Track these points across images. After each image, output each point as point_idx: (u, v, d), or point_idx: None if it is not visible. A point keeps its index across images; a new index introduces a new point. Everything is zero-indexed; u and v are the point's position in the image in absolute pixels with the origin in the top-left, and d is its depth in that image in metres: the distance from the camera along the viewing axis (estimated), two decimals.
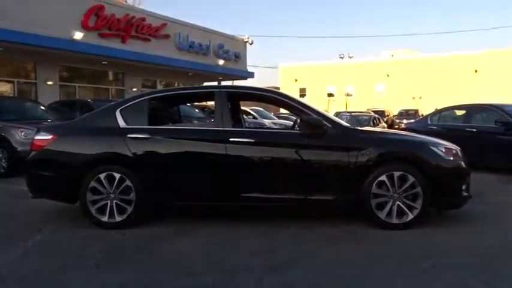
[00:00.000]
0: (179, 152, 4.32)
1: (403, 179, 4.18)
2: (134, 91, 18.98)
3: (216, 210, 4.70)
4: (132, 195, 4.28)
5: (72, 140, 4.44)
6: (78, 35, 14.76)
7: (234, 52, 22.81)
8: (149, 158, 4.33)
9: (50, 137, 4.43)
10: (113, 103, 4.73)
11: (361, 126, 15.60)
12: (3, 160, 8.16)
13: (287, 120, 19.39)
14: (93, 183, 4.29)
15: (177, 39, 19.36)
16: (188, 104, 10.33)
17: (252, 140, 4.24)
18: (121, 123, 4.41)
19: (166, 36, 18.71)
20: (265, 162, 4.28)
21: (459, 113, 9.87)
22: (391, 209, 4.20)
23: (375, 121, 17.62)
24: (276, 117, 18.40)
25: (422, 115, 32.22)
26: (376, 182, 4.18)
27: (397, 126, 28.75)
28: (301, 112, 4.42)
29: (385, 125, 20.08)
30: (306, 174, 4.24)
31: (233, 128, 4.35)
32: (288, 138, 4.33)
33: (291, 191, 4.28)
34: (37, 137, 4.51)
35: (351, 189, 4.21)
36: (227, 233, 4.17)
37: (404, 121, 31.27)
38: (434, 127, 9.48)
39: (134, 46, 16.92)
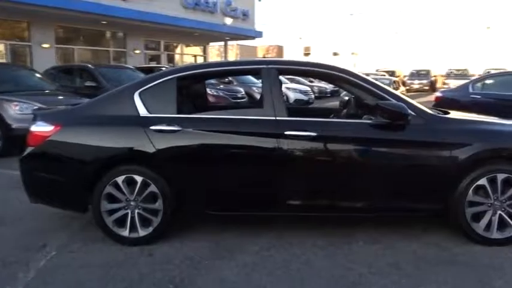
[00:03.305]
0: (219, 150, 3.34)
1: (507, 183, 3.25)
2: (137, 53, 17.75)
3: (259, 217, 3.78)
4: (159, 204, 3.36)
5: (81, 132, 3.44)
6: None
7: (242, 10, 21.29)
8: (181, 157, 3.36)
9: (51, 128, 3.44)
10: (130, 83, 3.69)
11: None
12: None
13: (299, 84, 18.07)
14: (108, 189, 3.35)
15: None
16: None
17: (314, 134, 3.25)
18: (141, 110, 3.41)
19: None
20: (330, 162, 3.31)
21: (507, 80, 8.79)
22: (490, 220, 3.29)
23: (395, 85, 16.40)
24: (288, 81, 17.16)
25: (434, 76, 30.84)
26: (473, 186, 3.24)
27: (408, 87, 27.42)
28: (373, 95, 3.42)
29: (404, 89, 18.89)
30: (381, 177, 3.29)
31: (288, 117, 3.35)
32: (359, 130, 3.34)
33: (362, 198, 3.35)
34: (35, 128, 3.51)
35: (438, 195, 3.29)
36: (281, 251, 3.27)
37: (416, 82, 29.87)
38: (478, 96, 8.46)
39: (136, 4, 15.54)
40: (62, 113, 3.70)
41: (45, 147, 3.46)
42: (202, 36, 20.27)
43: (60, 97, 8.12)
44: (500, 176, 3.24)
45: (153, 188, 3.34)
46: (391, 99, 3.32)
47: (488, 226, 3.30)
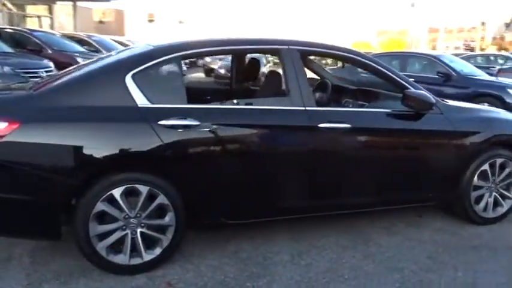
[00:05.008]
0: (244, 147, 2.75)
1: (502, 167, 3.49)
2: None
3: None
4: (170, 218, 2.65)
5: (53, 131, 2.43)
6: None
7: None
8: (199, 159, 2.67)
9: (3, 125, 2.36)
10: (111, 62, 2.77)
11: None
12: None
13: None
14: (100, 206, 2.50)
15: None
16: None
17: (348, 126, 2.92)
18: (139, 99, 2.58)
19: None
20: (362, 156, 3.04)
21: (389, 60, 9.64)
22: (487, 201, 3.51)
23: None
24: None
25: None
26: (478, 172, 3.38)
27: None
28: (393, 83, 3.23)
29: None
30: (410, 168, 3.18)
31: (318, 107, 2.93)
32: (390, 120, 3.11)
33: (392, 191, 3.20)
34: None
35: (452, 182, 3.34)
36: (316, 257, 2.89)
37: None
38: (368, 75, 9.14)
39: None
40: (15, 103, 2.57)
41: None
42: None
43: None
44: (499, 161, 3.44)
45: (162, 199, 2.60)
46: (411, 87, 3.18)
47: (485, 207, 3.50)
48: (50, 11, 19.76)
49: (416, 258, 2.96)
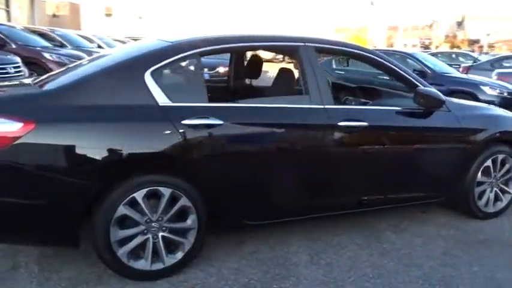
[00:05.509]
0: (266, 146, 2.69)
1: (503, 163, 3.60)
2: None
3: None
4: (192, 221, 2.55)
5: (70, 131, 2.27)
6: None
7: None
8: (222, 159, 2.57)
9: (18, 125, 2.17)
10: (128, 58, 2.62)
11: None
12: None
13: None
14: (122, 210, 2.37)
15: None
16: None
17: (365, 124, 2.91)
18: (159, 98, 2.46)
19: None
20: (378, 154, 3.04)
21: None
22: (488, 196, 3.61)
23: None
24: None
25: None
26: (482, 168, 3.48)
27: None
28: (405, 81, 3.26)
29: None
30: (418, 165, 3.22)
31: (336, 105, 2.91)
32: (402, 118, 3.13)
33: (405, 189, 3.24)
34: None
35: (458, 179, 3.42)
36: (334, 256, 2.88)
37: None
38: (342, 72, 9.25)
39: None
40: (28, 102, 2.37)
41: (10, 156, 2.20)
42: None
43: None
44: (500, 157, 3.55)
45: (184, 201, 2.51)
46: (420, 85, 3.22)
47: (486, 202, 3.61)
48: (7, 4, 18.69)
49: (431, 254, 3.01)
